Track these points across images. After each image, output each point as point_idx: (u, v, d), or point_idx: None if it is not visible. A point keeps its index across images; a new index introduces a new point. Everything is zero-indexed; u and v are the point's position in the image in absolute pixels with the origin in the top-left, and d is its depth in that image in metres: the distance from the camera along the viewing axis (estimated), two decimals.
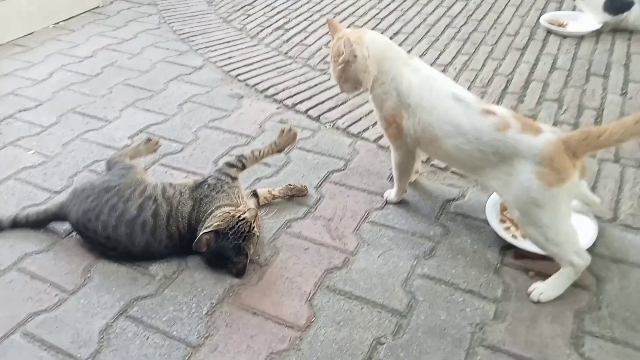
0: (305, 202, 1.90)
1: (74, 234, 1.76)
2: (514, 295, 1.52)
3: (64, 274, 1.64)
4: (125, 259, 1.67)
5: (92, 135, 2.33)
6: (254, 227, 1.59)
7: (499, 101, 2.46)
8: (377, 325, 1.45)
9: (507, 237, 1.67)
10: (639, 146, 2.11)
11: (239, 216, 1.59)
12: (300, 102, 2.51)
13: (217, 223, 1.58)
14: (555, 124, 2.28)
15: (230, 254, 1.58)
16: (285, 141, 1.87)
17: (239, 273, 1.60)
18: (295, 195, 1.93)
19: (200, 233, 1.57)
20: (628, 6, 2.99)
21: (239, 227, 1.57)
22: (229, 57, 2.97)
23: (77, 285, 1.60)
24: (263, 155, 1.84)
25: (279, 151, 1.88)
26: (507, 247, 1.67)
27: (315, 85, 2.65)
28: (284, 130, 1.88)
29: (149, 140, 1.99)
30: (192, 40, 3.19)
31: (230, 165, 1.79)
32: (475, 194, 1.91)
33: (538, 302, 1.48)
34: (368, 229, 1.78)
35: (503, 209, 1.79)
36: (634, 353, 1.35)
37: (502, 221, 1.76)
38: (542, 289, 1.49)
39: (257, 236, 1.63)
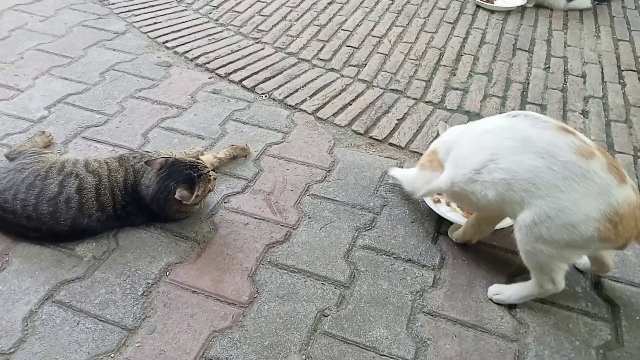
0: (243, 176, 1.84)
1: None
2: (450, 262, 1.58)
3: None
4: (50, 240, 1.54)
5: (3, 106, 2.10)
6: (210, 173, 1.58)
7: (433, 73, 2.50)
8: (321, 297, 1.45)
9: (438, 210, 1.72)
10: (562, 118, 2.24)
11: (200, 161, 1.61)
12: (234, 71, 2.41)
13: (180, 156, 1.60)
14: (485, 97, 2.36)
15: (180, 178, 1.52)
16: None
17: (183, 197, 1.48)
18: (238, 156, 1.91)
19: (161, 156, 1.56)
20: None
21: (197, 164, 1.56)
22: (155, 23, 2.78)
23: None
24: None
25: None
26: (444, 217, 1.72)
27: (249, 54, 2.55)
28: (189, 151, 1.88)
29: (42, 132, 1.89)
30: (113, 3, 2.95)
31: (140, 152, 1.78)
32: (412, 165, 1.93)
33: (491, 300, 1.46)
34: (309, 202, 1.76)
35: None
36: (558, 311, 1.45)
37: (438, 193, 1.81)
38: (501, 292, 1.45)
39: (211, 188, 1.60)
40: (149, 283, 1.46)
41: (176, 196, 1.47)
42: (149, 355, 1.29)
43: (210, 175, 1.59)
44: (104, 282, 1.45)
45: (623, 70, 2.60)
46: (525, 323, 1.41)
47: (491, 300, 1.47)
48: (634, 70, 2.60)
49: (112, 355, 1.29)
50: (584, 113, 2.28)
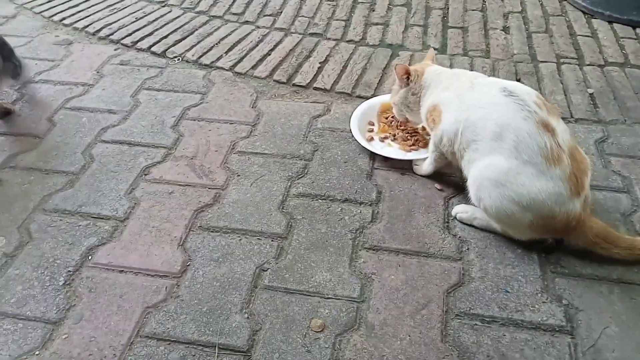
0: (162, 144, 1.72)
1: None
2: (387, 195, 1.53)
3: None
4: None
5: None
6: None
7: (351, 12, 2.40)
8: (258, 253, 1.38)
9: (372, 147, 1.65)
10: (484, 38, 2.20)
11: None
12: (141, 39, 2.24)
13: None
14: (406, 27, 2.29)
15: None
16: None
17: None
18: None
19: None
20: None
21: None
22: (48, 1, 2.55)
23: None
24: None
25: None
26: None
27: (156, 19, 2.38)
28: None
29: None
30: None
31: None
32: (340, 107, 1.87)
33: (455, 218, 1.45)
34: (236, 159, 1.67)
35: (383, 110, 1.77)
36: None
37: (370, 130, 1.75)
38: (466, 211, 1.44)
39: None
40: (70, 271, 1.34)
41: None
42: (78, 345, 1.19)
43: None
44: (19, 278, 1.33)
45: None
46: (467, 240, 1.39)
47: (455, 218, 1.44)
48: None
49: (37, 352, 1.18)
50: (505, 29, 2.25)
